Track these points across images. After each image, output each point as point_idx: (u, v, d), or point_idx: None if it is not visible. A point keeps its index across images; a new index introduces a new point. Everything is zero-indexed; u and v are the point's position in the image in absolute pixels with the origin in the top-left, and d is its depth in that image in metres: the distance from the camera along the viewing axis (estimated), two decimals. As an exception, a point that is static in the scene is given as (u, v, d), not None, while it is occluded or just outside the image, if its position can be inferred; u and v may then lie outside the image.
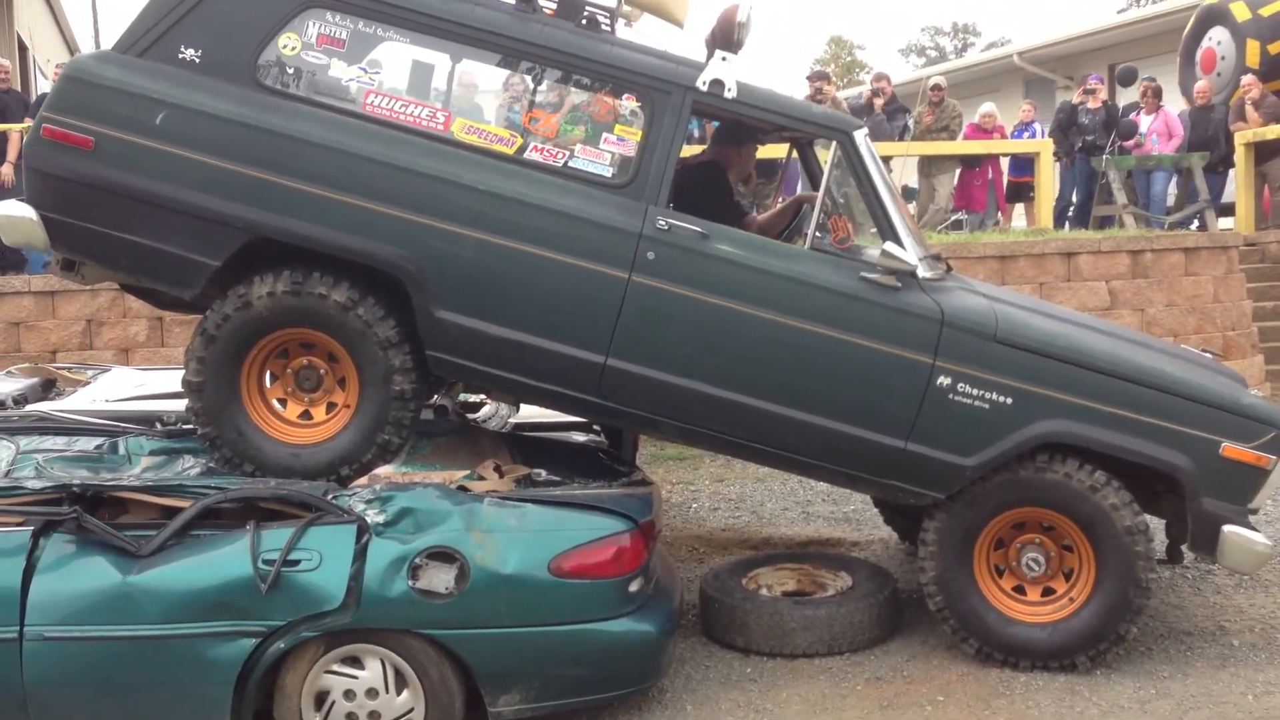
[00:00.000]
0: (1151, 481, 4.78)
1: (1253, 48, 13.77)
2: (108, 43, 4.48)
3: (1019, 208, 13.99)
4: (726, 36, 4.60)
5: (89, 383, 6.13)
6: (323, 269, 4.38)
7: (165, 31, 4.39)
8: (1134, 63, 16.30)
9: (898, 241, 4.50)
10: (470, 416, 5.61)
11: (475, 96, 4.90)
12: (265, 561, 3.84)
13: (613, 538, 4.12)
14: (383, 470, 4.46)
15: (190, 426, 5.06)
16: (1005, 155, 13.26)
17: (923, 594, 4.80)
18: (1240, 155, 12.99)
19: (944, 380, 4.51)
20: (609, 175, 4.48)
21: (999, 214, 13.50)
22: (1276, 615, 5.28)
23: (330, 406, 4.56)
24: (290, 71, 4.43)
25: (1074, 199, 13.64)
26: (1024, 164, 13.18)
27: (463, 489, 4.22)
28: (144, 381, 6.48)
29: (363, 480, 4.34)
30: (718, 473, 8.07)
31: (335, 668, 3.96)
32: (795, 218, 6.27)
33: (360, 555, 3.90)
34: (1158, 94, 13.37)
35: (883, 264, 4.48)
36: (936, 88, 12.62)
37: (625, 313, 4.42)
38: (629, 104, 4.52)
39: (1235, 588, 5.62)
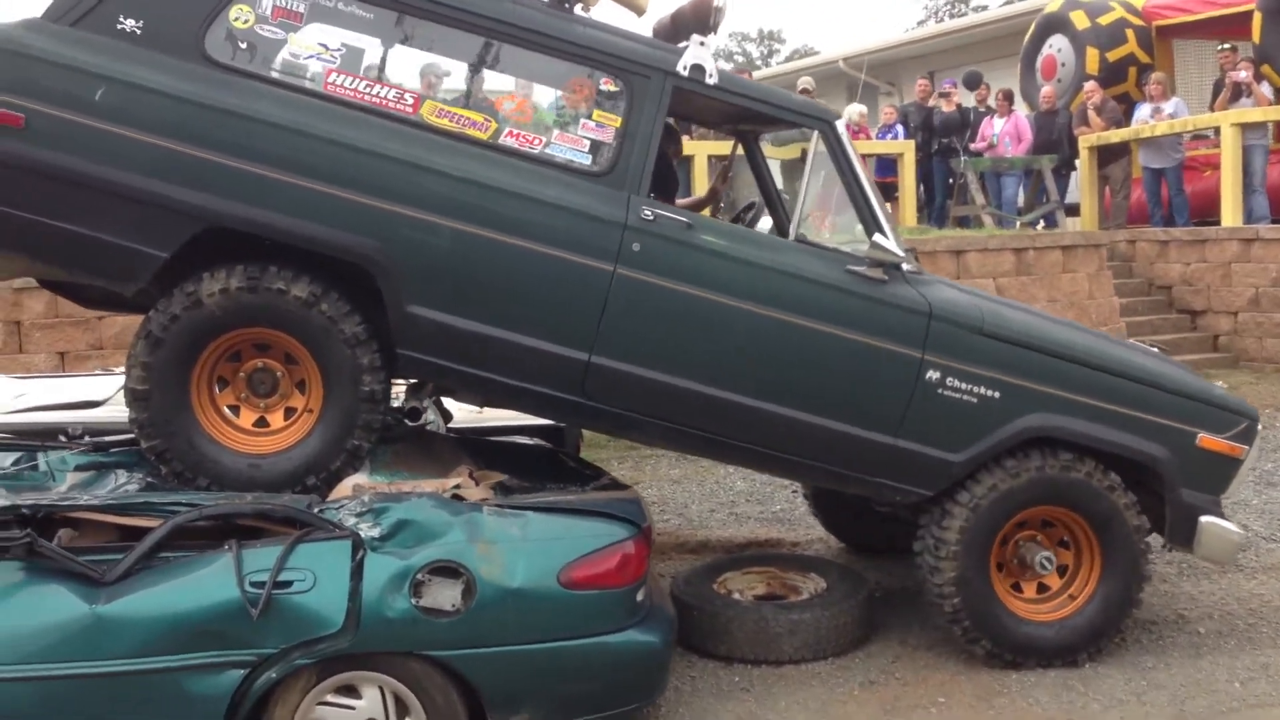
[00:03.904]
0: (1123, 474, 4.80)
1: (1093, 55, 14.35)
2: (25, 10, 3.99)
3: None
4: (702, 20, 4.42)
5: (-46, 394, 5.56)
6: (280, 262, 4.02)
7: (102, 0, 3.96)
8: (953, 69, 16.88)
9: (883, 233, 4.40)
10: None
11: (445, 78, 4.58)
12: (253, 584, 3.47)
13: (618, 545, 3.88)
14: (361, 480, 4.11)
15: (106, 439, 4.67)
16: (871, 156, 13.45)
17: (885, 593, 4.69)
18: (1084, 158, 13.55)
19: (933, 375, 4.42)
20: (588, 163, 4.24)
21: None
22: (1228, 601, 5.39)
23: (289, 412, 4.19)
24: (243, 46, 4.05)
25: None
26: (887, 165, 13.40)
27: (457, 498, 3.92)
28: (24, 391, 5.96)
29: (346, 492, 3.98)
30: (629, 475, 7.84)
31: (329, 698, 3.60)
32: (714, 204, 6.19)
33: (356, 573, 3.57)
34: (1009, 98, 13.78)
35: (871, 256, 4.36)
36: (805, 90, 12.74)
37: (610, 307, 4.18)
38: (607, 88, 4.28)
39: (1179, 576, 5.72)
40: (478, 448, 4.84)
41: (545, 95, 4.35)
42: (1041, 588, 4.71)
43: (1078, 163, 13.78)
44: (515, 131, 4.23)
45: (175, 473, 4.03)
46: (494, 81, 4.35)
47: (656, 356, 4.26)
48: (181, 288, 3.98)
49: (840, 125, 4.51)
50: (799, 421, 4.37)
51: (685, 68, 4.30)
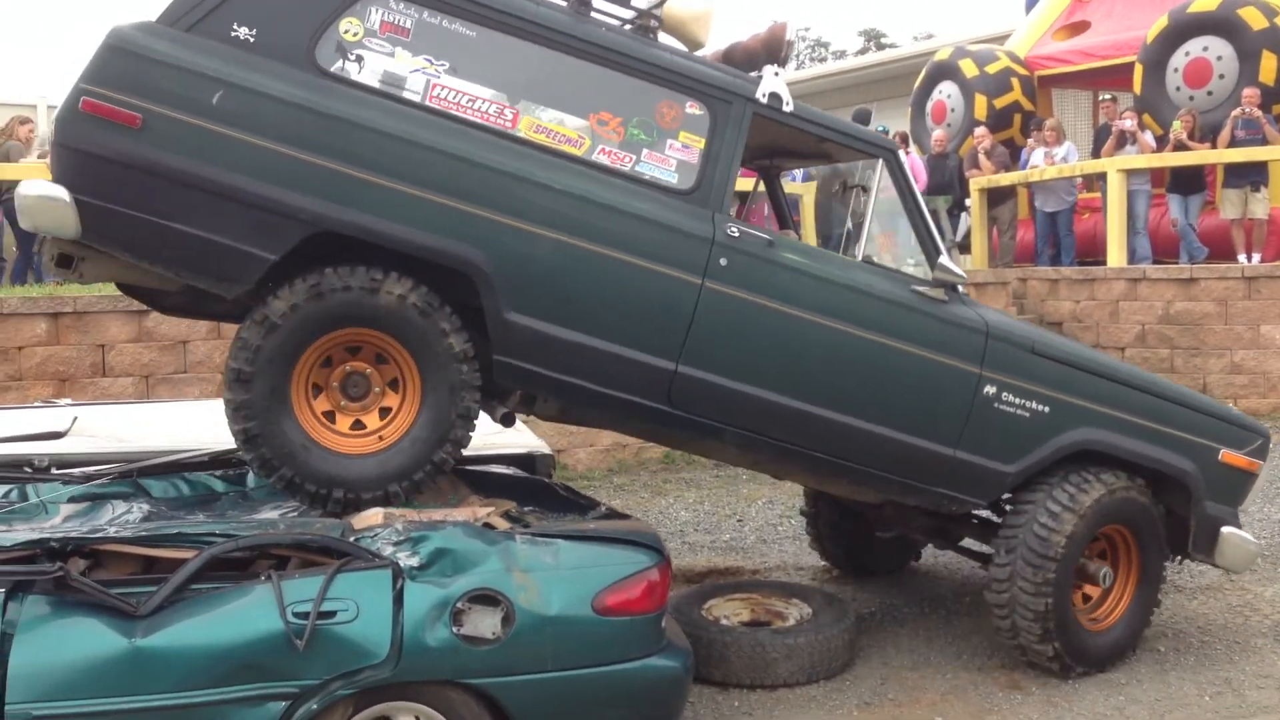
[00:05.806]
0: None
1: (980, 102, 14.94)
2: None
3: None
4: (774, 52, 4.62)
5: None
6: (399, 268, 4.07)
7: (217, 6, 3.98)
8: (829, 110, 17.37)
9: (945, 255, 4.65)
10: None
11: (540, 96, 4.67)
12: (296, 614, 3.43)
13: (645, 572, 3.94)
14: (389, 509, 4.09)
15: (93, 470, 4.58)
16: (774, 195, 13.73)
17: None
18: (975, 199, 14.06)
19: (990, 390, 4.69)
20: (674, 181, 4.40)
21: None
22: (1176, 620, 5.68)
23: (384, 412, 4.22)
24: (352, 58, 4.10)
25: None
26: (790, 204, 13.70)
27: (488, 526, 3.93)
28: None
29: (377, 520, 3.95)
30: (571, 508, 7.89)
31: (362, 730, 3.58)
32: None
33: (397, 602, 3.56)
34: (906, 140, 14.25)
35: (936, 277, 4.63)
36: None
37: (698, 319, 4.35)
38: (693, 112, 4.41)
39: (1123, 597, 6.00)
40: (471, 477, 4.85)
41: (635, 116, 4.43)
42: (1083, 598, 5.02)
43: (968, 203, 14.31)
44: (607, 149, 4.35)
45: (262, 459, 4.02)
46: (588, 101, 4.39)
47: (739, 367, 4.43)
48: (303, 279, 3.99)
49: (902, 155, 4.74)
50: (867, 432, 4.59)
51: (765, 95, 4.48)
